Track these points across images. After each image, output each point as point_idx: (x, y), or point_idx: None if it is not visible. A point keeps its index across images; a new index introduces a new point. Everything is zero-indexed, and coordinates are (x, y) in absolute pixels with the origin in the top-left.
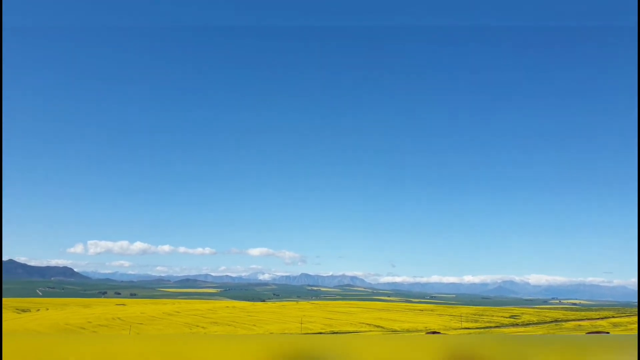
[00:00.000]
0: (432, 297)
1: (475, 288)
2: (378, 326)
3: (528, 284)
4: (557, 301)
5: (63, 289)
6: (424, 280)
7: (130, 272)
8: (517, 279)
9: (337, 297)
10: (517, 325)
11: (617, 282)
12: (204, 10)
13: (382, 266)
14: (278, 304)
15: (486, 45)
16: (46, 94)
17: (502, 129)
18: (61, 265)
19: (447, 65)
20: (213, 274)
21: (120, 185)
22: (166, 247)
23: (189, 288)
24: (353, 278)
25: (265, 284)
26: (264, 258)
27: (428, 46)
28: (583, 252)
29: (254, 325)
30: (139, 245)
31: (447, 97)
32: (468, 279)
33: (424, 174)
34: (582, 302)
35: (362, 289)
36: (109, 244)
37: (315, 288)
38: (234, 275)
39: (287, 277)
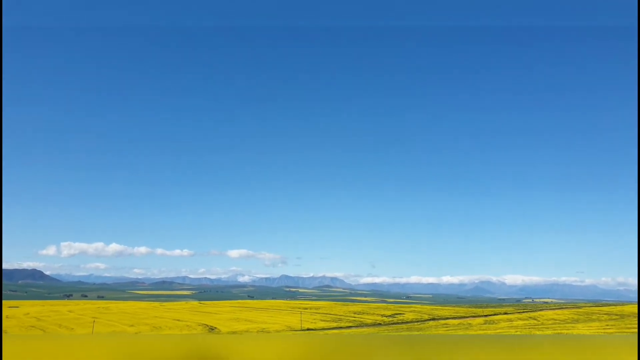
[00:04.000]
0: (408, 297)
1: (454, 288)
2: (213, 327)
3: (504, 283)
4: (530, 300)
5: (26, 292)
6: (403, 280)
7: (105, 274)
8: (493, 279)
9: (314, 297)
10: (380, 324)
11: (588, 281)
12: (204, 12)
13: (362, 267)
14: (157, 304)
15: (485, 45)
16: (21, 94)
17: (482, 131)
18: (30, 268)
19: (441, 65)
20: (191, 276)
21: (95, 185)
22: (143, 249)
23: (164, 290)
24: (333, 279)
25: (243, 285)
26: (243, 260)
27: (425, 46)
28: (557, 253)
29: (71, 327)
30: (114, 247)
31: (431, 99)
32: (446, 279)
33: (404, 176)
34: (554, 300)
35: (341, 290)
36: (83, 246)
37: (294, 289)
38: (213, 277)
39: (267, 278)
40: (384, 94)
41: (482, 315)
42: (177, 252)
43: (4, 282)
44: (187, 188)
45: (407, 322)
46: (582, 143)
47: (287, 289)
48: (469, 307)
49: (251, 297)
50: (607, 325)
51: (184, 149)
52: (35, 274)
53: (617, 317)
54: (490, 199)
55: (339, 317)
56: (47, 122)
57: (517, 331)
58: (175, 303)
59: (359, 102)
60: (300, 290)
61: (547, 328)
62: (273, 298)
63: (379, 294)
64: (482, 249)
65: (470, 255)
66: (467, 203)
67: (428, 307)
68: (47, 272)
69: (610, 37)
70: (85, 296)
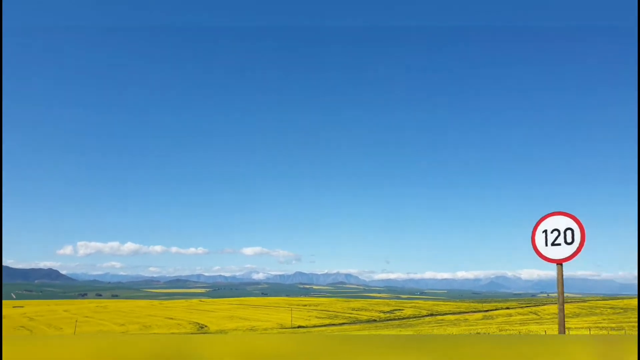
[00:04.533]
0: (422, 293)
1: (468, 284)
2: (204, 325)
3: (520, 278)
4: (545, 295)
5: (42, 292)
6: (417, 276)
7: (121, 273)
8: (509, 274)
9: (328, 294)
10: (375, 321)
11: (605, 275)
12: (203, 10)
13: (376, 263)
14: (156, 302)
15: (485, 45)
16: (36, 94)
17: (493, 126)
18: (47, 268)
19: (442, 64)
20: (206, 273)
21: (110, 185)
22: (158, 248)
23: (178, 288)
24: (347, 276)
25: (257, 283)
26: (257, 257)
27: (425, 45)
28: None
29: (60, 327)
30: (130, 246)
31: (441, 97)
32: (461, 274)
33: (418, 171)
34: (569, 294)
35: (355, 286)
36: (99, 245)
37: (308, 286)
38: (227, 275)
39: (281, 276)
40: (397, 91)
41: (482, 311)
42: (192, 250)
43: (20, 282)
44: (201, 187)
45: (404, 319)
46: (600, 138)
47: (301, 286)
48: (471, 302)
49: (265, 294)
50: (604, 319)
51: (197, 147)
52: (52, 273)
53: (622, 311)
54: (506, 193)
55: (335, 313)
56: (62, 122)
57: (499, 327)
58: (174, 301)
59: (370, 99)
60: (314, 287)
61: (544, 323)
62: (287, 295)
63: (393, 290)
64: (497, 243)
65: (485, 250)
66: (481, 197)
67: (430, 302)
68: (64, 272)
69: (610, 37)
70: (100, 295)
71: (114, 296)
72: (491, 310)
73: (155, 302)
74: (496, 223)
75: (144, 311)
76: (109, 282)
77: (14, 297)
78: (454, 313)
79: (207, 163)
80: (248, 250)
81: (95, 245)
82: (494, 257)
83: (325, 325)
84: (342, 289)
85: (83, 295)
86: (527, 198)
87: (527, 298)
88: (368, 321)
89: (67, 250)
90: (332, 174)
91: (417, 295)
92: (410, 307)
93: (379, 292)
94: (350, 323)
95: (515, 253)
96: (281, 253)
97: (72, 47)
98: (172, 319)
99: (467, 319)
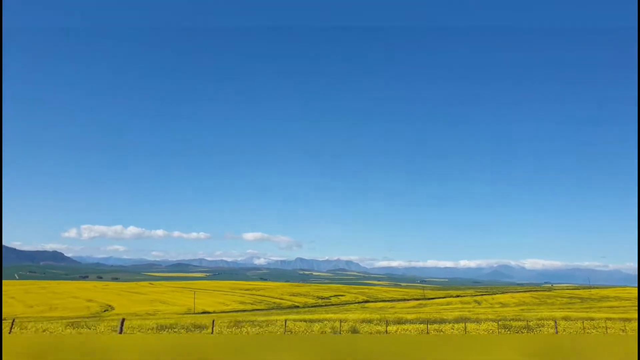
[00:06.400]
0: (422, 282)
1: (471, 272)
2: (112, 308)
3: (524, 268)
4: (549, 285)
5: (45, 274)
6: (419, 264)
7: (125, 256)
8: (512, 263)
9: (326, 280)
10: (297, 307)
11: (612, 266)
12: (204, 11)
13: (378, 251)
14: (102, 284)
15: (486, 45)
16: (44, 83)
17: (495, 117)
18: (52, 250)
19: (444, 63)
20: (208, 258)
21: (114, 170)
22: (160, 232)
23: (180, 272)
24: (348, 262)
25: (258, 268)
26: (259, 243)
27: (426, 47)
28: (579, 237)
29: None
30: (133, 229)
31: (450, 87)
32: (464, 263)
33: (420, 161)
34: (572, 286)
35: (355, 273)
36: (102, 229)
37: (308, 272)
38: (229, 259)
39: (282, 261)
40: (406, 83)
41: (419, 298)
42: (194, 234)
43: (26, 263)
44: (203, 173)
45: (334, 305)
46: (604, 132)
47: (302, 272)
48: (430, 289)
49: (264, 280)
50: (530, 309)
51: (200, 135)
52: (57, 256)
53: (578, 301)
54: (511, 183)
55: (264, 299)
56: (68, 111)
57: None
58: (118, 283)
59: (376, 87)
60: (314, 273)
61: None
62: (286, 281)
63: (394, 278)
64: (501, 233)
65: (488, 240)
66: (485, 186)
67: (382, 288)
68: (69, 255)
69: (610, 38)
70: (101, 278)
71: (114, 279)
72: (440, 297)
73: (102, 283)
74: (500, 212)
75: (78, 292)
76: (112, 266)
77: (17, 277)
78: (395, 300)
79: (208, 150)
80: (249, 236)
81: (99, 228)
82: (497, 246)
83: (236, 311)
84: (342, 275)
85: (84, 278)
86: (531, 187)
87: (529, 286)
88: (289, 307)
89: (72, 233)
90: (333, 161)
91: (416, 283)
92: (356, 293)
93: (379, 279)
94: (268, 309)
95: (519, 242)
96: (282, 239)
97: (73, 46)
98: (91, 300)
99: (393, 306)
